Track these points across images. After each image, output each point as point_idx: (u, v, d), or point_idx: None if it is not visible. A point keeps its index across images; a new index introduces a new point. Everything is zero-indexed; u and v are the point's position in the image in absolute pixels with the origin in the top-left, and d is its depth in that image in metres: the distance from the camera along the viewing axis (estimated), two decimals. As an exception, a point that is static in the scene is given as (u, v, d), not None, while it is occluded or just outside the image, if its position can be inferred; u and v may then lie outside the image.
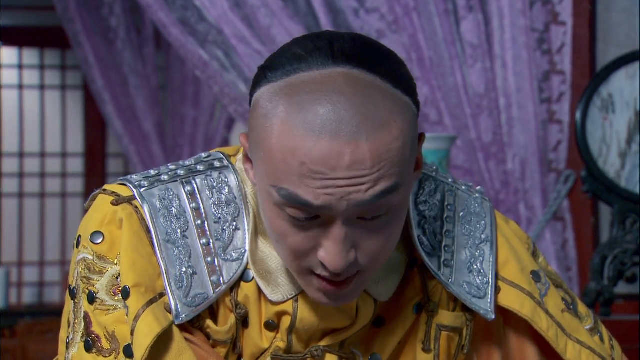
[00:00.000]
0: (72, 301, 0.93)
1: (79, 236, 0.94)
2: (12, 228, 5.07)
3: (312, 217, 0.84)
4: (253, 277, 0.93)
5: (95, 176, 4.95)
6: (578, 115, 2.04)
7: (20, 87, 4.92)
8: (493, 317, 0.95)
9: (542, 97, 2.25)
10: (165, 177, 0.93)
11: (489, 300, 0.95)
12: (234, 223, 0.93)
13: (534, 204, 2.22)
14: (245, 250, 0.92)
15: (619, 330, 1.79)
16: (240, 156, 0.96)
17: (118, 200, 0.92)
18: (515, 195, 2.22)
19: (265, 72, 0.87)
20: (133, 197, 0.92)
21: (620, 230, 1.99)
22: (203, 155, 0.96)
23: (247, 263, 0.92)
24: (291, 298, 0.92)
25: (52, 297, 5.21)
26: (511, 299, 0.96)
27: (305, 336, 0.94)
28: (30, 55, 4.91)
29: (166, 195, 0.92)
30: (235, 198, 0.93)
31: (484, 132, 2.22)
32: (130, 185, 0.92)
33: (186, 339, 0.90)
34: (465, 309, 0.96)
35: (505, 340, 1.00)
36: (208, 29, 2.43)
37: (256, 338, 0.93)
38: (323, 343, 0.94)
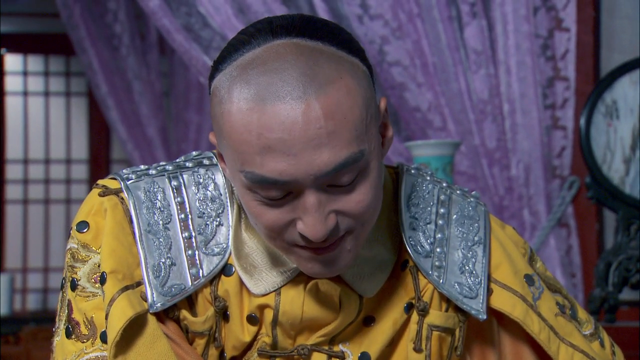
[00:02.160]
0: (61, 291, 0.95)
1: (70, 228, 0.96)
2: (17, 234, 5.08)
3: (284, 195, 0.85)
4: (234, 272, 0.94)
5: (99, 182, 4.94)
6: (582, 121, 2.04)
7: (25, 93, 4.93)
8: (484, 317, 0.95)
9: (546, 103, 2.25)
10: (153, 172, 0.95)
11: (481, 301, 0.95)
12: (218, 219, 0.94)
13: (538, 210, 2.22)
14: (228, 246, 0.94)
15: (623, 337, 1.78)
16: None
17: (105, 192, 0.94)
18: (520, 201, 2.22)
19: (216, 65, 0.89)
20: (120, 190, 0.94)
21: (624, 236, 1.99)
22: (194, 153, 0.98)
23: (229, 258, 0.93)
24: (273, 291, 0.93)
25: (56, 304, 5.20)
26: (503, 301, 0.96)
27: (290, 331, 0.94)
28: (35, 62, 4.92)
29: (151, 188, 0.94)
30: (221, 195, 0.95)
31: (488, 138, 2.22)
32: (119, 178, 0.95)
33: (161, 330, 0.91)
34: (458, 309, 0.96)
35: (500, 342, 1.00)
36: (212, 35, 2.43)
37: (237, 332, 0.94)
38: (311, 341, 0.94)
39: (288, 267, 0.93)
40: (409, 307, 0.96)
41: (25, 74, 4.95)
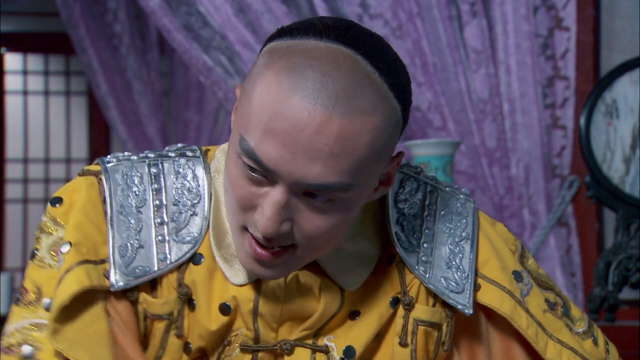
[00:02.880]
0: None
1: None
2: (16, 234, 5.08)
3: (262, 177, 0.86)
4: (204, 261, 0.94)
5: (99, 182, 4.95)
6: (582, 120, 2.04)
7: (25, 93, 4.93)
8: (471, 311, 0.95)
9: (546, 102, 2.25)
10: (135, 158, 0.97)
11: (467, 296, 0.96)
12: (193, 208, 0.95)
13: (538, 210, 2.22)
14: (200, 236, 0.94)
15: (623, 336, 1.78)
16: (216, 151, 0.98)
17: (84, 173, 0.96)
18: (519, 200, 2.22)
19: (280, 31, 0.89)
20: (100, 172, 0.96)
21: (624, 235, 1.99)
22: (179, 145, 0.99)
23: (199, 247, 0.94)
24: (252, 281, 0.93)
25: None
26: (490, 296, 0.97)
27: (272, 323, 0.94)
28: (35, 61, 4.92)
29: (129, 172, 0.96)
30: (199, 186, 0.96)
31: (488, 138, 2.22)
32: (100, 162, 0.96)
33: (108, 313, 0.91)
34: (445, 305, 0.96)
35: (489, 338, 1.00)
36: (212, 34, 2.43)
37: (204, 320, 0.94)
38: (294, 336, 0.94)
39: None
40: (395, 302, 0.96)
41: (25, 73, 4.95)
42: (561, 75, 2.26)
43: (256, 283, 0.94)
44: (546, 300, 0.99)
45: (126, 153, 0.98)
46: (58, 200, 0.95)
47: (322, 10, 2.28)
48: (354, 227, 0.95)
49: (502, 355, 0.99)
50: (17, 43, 4.75)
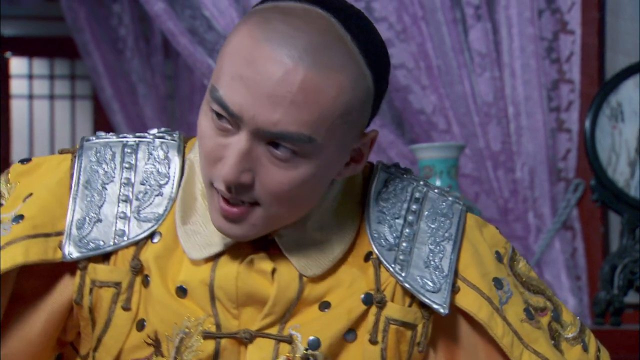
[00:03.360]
0: None
1: None
2: (22, 237, 5.09)
3: (229, 125, 0.87)
4: (161, 239, 0.95)
5: (104, 185, 4.96)
6: (587, 124, 2.03)
7: (30, 97, 4.94)
8: (446, 311, 0.94)
9: (551, 105, 2.24)
10: (113, 138, 0.99)
11: (444, 295, 0.95)
12: (160, 189, 0.97)
13: (543, 213, 2.21)
14: (162, 215, 0.95)
15: (629, 340, 1.77)
16: (196, 143, 0.99)
17: (62, 151, 0.99)
18: (524, 203, 2.21)
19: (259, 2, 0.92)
20: (76, 149, 0.98)
21: (629, 239, 1.98)
22: (163, 129, 1.01)
23: (160, 226, 0.95)
24: (209, 257, 0.93)
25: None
26: (469, 301, 0.96)
27: (231, 309, 0.93)
28: (40, 65, 4.94)
29: (103, 150, 0.98)
30: (169, 168, 0.97)
31: (493, 141, 2.21)
32: (81, 139, 0.98)
33: (21, 292, 0.94)
34: (423, 306, 0.95)
35: (472, 343, 0.98)
36: (216, 38, 2.44)
37: (159, 298, 0.93)
38: (256, 326, 0.93)
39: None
40: (369, 299, 0.95)
41: (30, 77, 4.96)
42: (566, 79, 2.25)
43: (212, 263, 0.94)
44: (525, 310, 0.98)
45: (110, 133, 1.00)
46: (27, 161, 0.99)
47: (326, 14, 2.29)
48: (325, 217, 0.95)
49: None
50: (22, 47, 4.77)
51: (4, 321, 0.96)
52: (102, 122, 4.76)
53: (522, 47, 2.18)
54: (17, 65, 4.91)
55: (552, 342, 0.98)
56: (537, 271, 2.22)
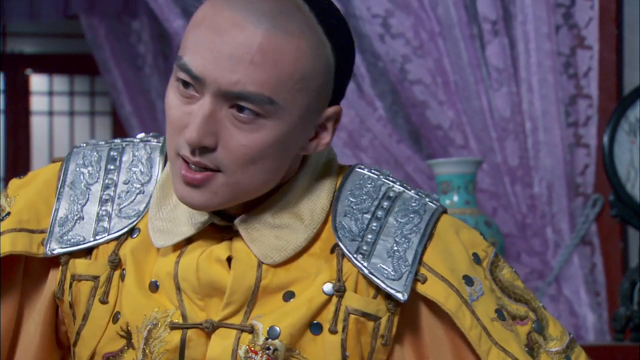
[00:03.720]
0: None
1: None
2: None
3: (194, 91, 0.90)
4: (139, 234, 0.98)
5: (123, 201, 4.98)
6: (605, 139, 2.03)
7: (50, 113, 4.98)
8: (405, 298, 0.93)
9: (568, 120, 2.24)
10: (102, 143, 1.03)
11: (404, 282, 0.94)
12: (141, 187, 1.00)
13: (562, 228, 2.20)
14: (142, 211, 0.98)
15: (648, 356, 1.76)
16: None
17: (56, 159, 1.03)
18: (542, 219, 2.21)
19: None
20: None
21: (649, 254, 1.97)
22: (152, 133, 1.04)
23: (139, 222, 0.98)
24: (175, 248, 0.95)
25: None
26: (436, 291, 0.95)
27: (196, 300, 0.94)
28: (60, 82, 4.98)
29: (90, 155, 1.02)
30: (151, 167, 1.00)
31: (510, 156, 2.21)
32: (72, 147, 1.03)
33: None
34: (388, 298, 0.95)
35: (438, 337, 0.97)
36: (235, 54, 2.45)
37: (134, 290, 0.96)
38: (219, 316, 0.94)
39: (196, 220, 0.95)
40: (330, 288, 0.95)
41: (50, 94, 5.00)
42: (584, 94, 2.25)
43: (178, 255, 0.95)
44: (497, 311, 0.96)
45: (101, 140, 1.04)
46: (23, 174, 1.04)
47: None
48: (290, 206, 0.96)
49: (452, 355, 0.96)
50: (42, 64, 4.81)
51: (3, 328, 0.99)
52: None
53: (539, 63, 2.18)
54: (38, 82, 4.96)
55: (527, 349, 0.96)
56: (556, 287, 2.22)
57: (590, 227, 2.21)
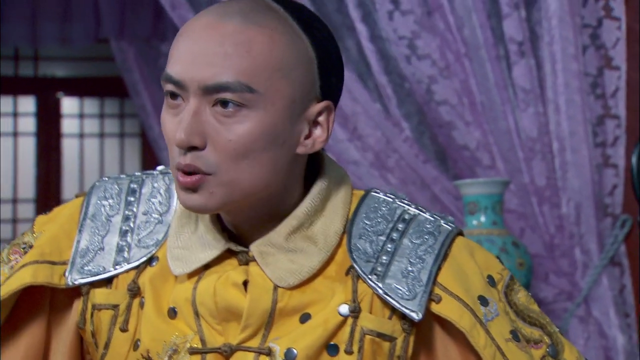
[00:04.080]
0: None
1: None
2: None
3: (181, 99, 0.92)
4: (157, 263, 0.99)
5: (151, 222, 5.01)
6: (634, 159, 2.02)
7: (81, 135, 5.04)
8: (419, 317, 0.94)
9: (596, 141, 2.23)
10: (123, 176, 1.05)
11: (418, 302, 0.94)
12: (160, 217, 1.02)
13: (590, 249, 2.19)
14: (160, 241, 1.00)
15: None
16: None
17: (79, 195, 1.06)
18: (571, 239, 2.20)
19: None
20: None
21: (679, 275, 1.95)
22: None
23: (157, 250, 1.00)
24: (192, 274, 0.97)
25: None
26: (450, 309, 0.95)
27: (215, 324, 0.95)
28: (91, 105, 5.04)
29: (111, 187, 1.04)
30: (170, 198, 1.02)
31: (538, 176, 2.21)
32: (95, 181, 1.05)
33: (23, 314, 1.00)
34: (404, 318, 0.95)
35: (448, 354, 0.97)
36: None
37: (152, 319, 0.97)
38: (237, 339, 0.95)
39: (213, 247, 0.97)
40: (346, 309, 0.96)
41: (81, 116, 5.06)
42: (611, 114, 2.24)
43: (195, 280, 0.96)
44: (512, 332, 0.97)
45: (122, 174, 1.06)
46: (49, 210, 1.06)
47: (370, 52, 2.31)
48: (303, 229, 0.96)
49: None
50: (73, 87, 4.88)
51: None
52: (150, 159, 4.83)
53: (566, 83, 2.18)
54: (69, 105, 5.02)
55: None
56: (585, 308, 2.20)
57: (619, 247, 2.20)
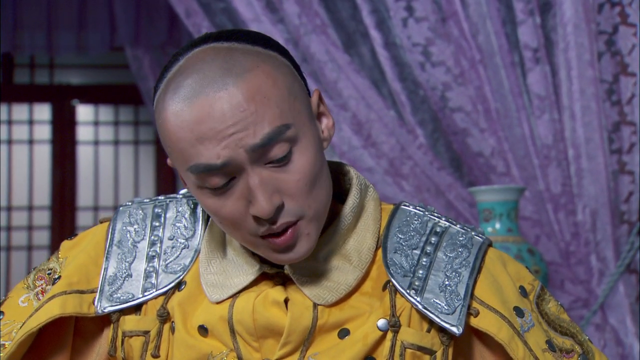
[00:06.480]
0: None
1: None
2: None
3: (229, 181, 0.91)
4: (185, 287, 1.00)
5: (166, 229, 5.03)
6: (650, 165, 2.01)
7: (96, 142, 5.06)
8: (460, 332, 0.95)
9: (612, 147, 2.22)
10: (147, 200, 1.06)
11: (458, 316, 0.95)
12: (185, 242, 1.02)
13: (606, 256, 2.18)
14: (188, 265, 1.01)
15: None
16: None
17: (103, 220, 1.07)
18: (587, 246, 2.18)
19: (154, 88, 0.96)
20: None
21: (696, 283, 1.93)
22: None
23: (185, 275, 1.00)
24: (229, 298, 0.97)
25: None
26: (488, 322, 0.96)
27: (251, 341, 0.96)
28: (105, 112, 5.07)
29: (136, 213, 1.04)
30: (195, 222, 1.03)
31: (553, 183, 2.20)
32: (118, 206, 1.06)
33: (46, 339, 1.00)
34: (442, 331, 0.96)
35: None
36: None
37: (184, 341, 0.97)
38: (276, 356, 0.96)
39: (247, 271, 0.98)
40: (385, 324, 0.96)
41: (96, 123, 5.09)
42: (627, 121, 2.23)
43: (231, 300, 0.97)
44: (548, 342, 0.98)
45: (145, 198, 1.06)
46: (74, 235, 1.06)
47: (384, 59, 2.31)
48: (338, 248, 0.97)
49: None
50: (88, 95, 4.91)
51: None
52: (165, 167, 4.85)
53: (581, 90, 2.17)
54: (84, 112, 5.05)
55: None
56: (601, 315, 2.19)
57: (635, 255, 2.19)
